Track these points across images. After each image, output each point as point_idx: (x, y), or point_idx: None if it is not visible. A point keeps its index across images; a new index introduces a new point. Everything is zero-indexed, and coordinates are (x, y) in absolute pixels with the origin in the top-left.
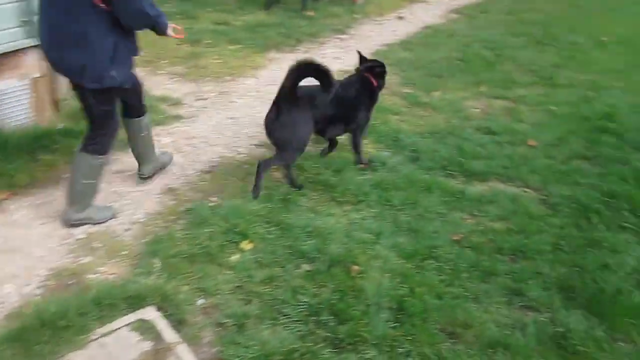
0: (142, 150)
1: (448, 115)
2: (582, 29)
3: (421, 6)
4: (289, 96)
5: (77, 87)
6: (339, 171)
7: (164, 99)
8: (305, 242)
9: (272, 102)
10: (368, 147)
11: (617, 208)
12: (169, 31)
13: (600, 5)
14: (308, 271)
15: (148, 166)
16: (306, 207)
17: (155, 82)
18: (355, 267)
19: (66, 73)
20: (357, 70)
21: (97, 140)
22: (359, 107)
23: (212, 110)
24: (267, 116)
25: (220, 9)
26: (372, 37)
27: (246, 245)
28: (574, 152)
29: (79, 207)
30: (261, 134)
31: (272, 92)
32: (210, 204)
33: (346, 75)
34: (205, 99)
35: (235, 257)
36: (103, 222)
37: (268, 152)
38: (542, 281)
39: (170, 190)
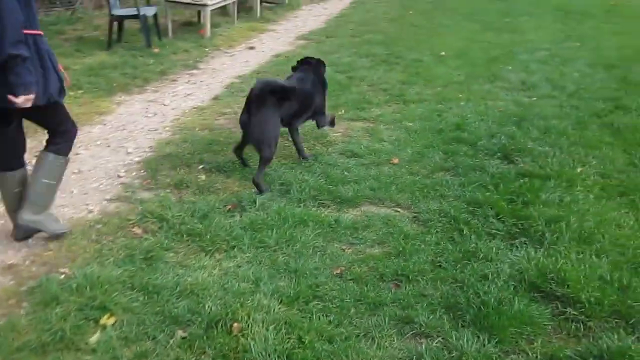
0: (17, 209)
1: (311, 142)
2: (422, 46)
3: (270, 35)
4: (257, 100)
5: (24, 111)
6: (204, 216)
7: None
8: (177, 305)
9: (244, 104)
10: (234, 186)
11: (483, 216)
12: (18, 99)
13: (434, 24)
14: (184, 338)
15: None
16: (174, 263)
17: None
18: (236, 325)
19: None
20: (302, 62)
21: (61, 141)
22: (319, 96)
23: None
24: (241, 118)
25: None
26: (225, 69)
27: (107, 320)
28: (434, 165)
29: (36, 208)
30: (113, 187)
31: (122, 137)
32: (60, 277)
33: (289, 74)
34: None
35: (95, 337)
36: (56, 233)
37: (123, 207)
38: (428, 303)
39: (8, 268)
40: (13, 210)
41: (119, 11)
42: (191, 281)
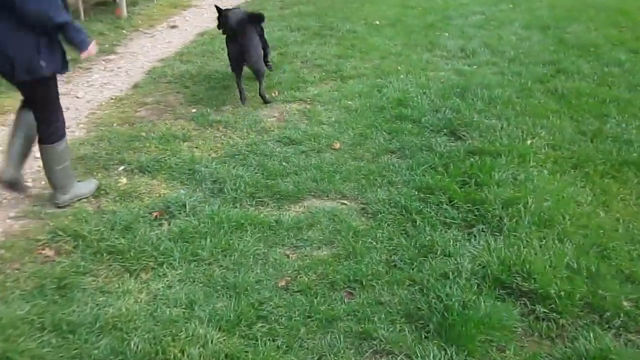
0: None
1: (244, 131)
2: (355, 15)
3: (193, 11)
4: (241, 28)
5: (19, 84)
6: (127, 229)
7: None
8: (97, 345)
9: (232, 39)
10: (160, 188)
11: (436, 203)
12: (91, 48)
13: None
14: None
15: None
16: (93, 290)
17: None
18: None
19: (3, 74)
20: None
21: (52, 129)
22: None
23: None
24: (233, 51)
25: None
26: (145, 52)
27: None
28: (379, 147)
29: (64, 189)
30: (19, 200)
31: None
32: None
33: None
34: None
35: None
36: (91, 194)
37: (31, 224)
38: (387, 313)
39: None
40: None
41: None
42: (113, 312)
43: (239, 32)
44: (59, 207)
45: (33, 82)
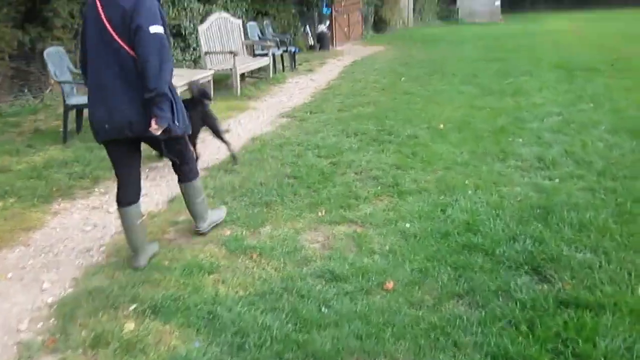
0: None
1: (281, 261)
2: (417, 118)
3: (249, 114)
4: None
5: (148, 140)
6: None
7: None
8: None
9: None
10: (172, 337)
11: None
12: (158, 130)
13: (429, 91)
14: None
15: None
16: None
17: None
18: None
19: (138, 133)
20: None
21: (186, 170)
22: None
23: None
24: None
25: (2, 149)
26: None
27: None
28: (442, 289)
29: (203, 220)
30: (5, 350)
31: (43, 264)
32: None
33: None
34: None
35: None
36: (222, 219)
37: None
38: None
39: None
40: (142, 242)
41: (75, 99)
42: None
43: (200, 103)
44: (200, 234)
45: (169, 140)
